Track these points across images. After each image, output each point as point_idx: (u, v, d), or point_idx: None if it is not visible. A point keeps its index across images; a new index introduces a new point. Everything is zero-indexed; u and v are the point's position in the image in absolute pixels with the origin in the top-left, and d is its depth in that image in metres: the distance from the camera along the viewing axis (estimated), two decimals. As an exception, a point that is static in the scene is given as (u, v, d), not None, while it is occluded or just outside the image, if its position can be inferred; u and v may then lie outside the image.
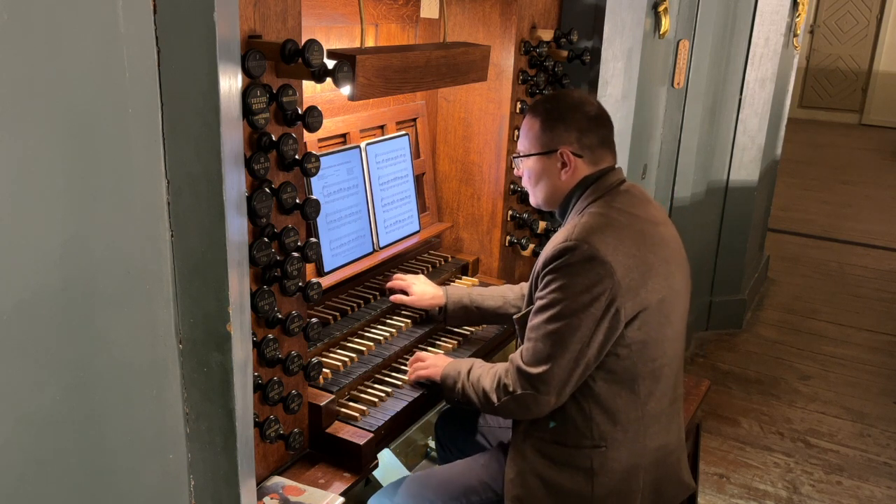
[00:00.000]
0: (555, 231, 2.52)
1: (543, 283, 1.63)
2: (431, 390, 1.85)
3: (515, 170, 1.87)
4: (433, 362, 1.85)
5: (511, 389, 1.64)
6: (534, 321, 1.63)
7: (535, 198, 1.83)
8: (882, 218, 6.69)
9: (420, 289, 2.08)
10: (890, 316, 4.71)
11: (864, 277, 5.35)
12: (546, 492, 1.69)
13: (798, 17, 4.19)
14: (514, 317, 1.77)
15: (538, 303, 1.63)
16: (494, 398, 1.67)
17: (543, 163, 1.75)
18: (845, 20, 10.84)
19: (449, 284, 2.31)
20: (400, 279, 2.12)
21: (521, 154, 1.81)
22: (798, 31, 4.29)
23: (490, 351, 2.14)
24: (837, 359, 4.15)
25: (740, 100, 3.97)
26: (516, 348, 1.72)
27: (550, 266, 1.61)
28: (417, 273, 2.24)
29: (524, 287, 2.08)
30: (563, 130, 1.72)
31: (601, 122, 1.76)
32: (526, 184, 1.84)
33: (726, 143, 4.05)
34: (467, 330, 2.15)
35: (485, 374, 1.72)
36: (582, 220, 1.63)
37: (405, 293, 2.09)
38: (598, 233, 1.59)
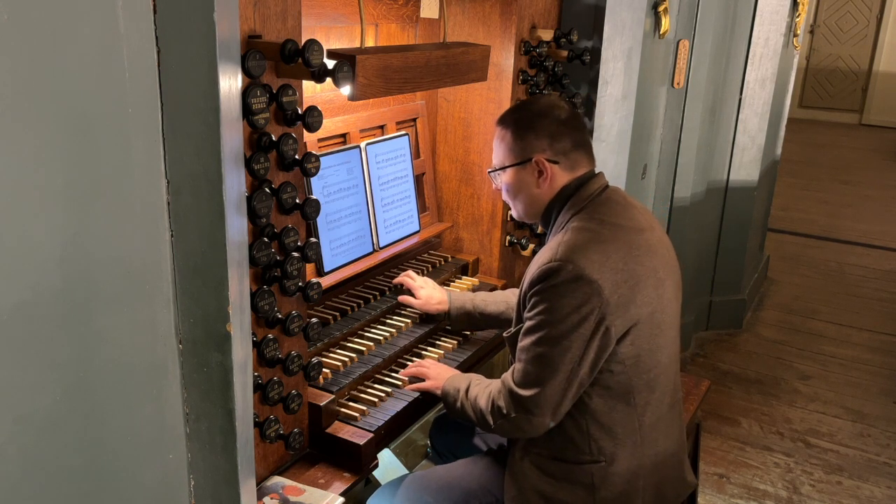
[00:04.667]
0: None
1: (530, 304, 1.60)
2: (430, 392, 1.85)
3: (493, 184, 1.84)
4: (436, 373, 1.84)
5: (505, 412, 1.62)
6: (523, 342, 1.61)
7: (516, 211, 1.80)
8: (882, 218, 6.69)
9: (427, 293, 2.08)
10: (890, 316, 4.71)
11: (864, 277, 5.35)
12: None
13: (798, 17, 4.19)
14: (504, 335, 1.76)
15: (527, 324, 1.61)
16: (490, 420, 1.66)
17: (519, 174, 1.72)
18: (845, 20, 10.84)
19: (449, 285, 2.32)
20: (409, 278, 2.12)
21: (496, 168, 1.78)
22: (798, 31, 4.29)
23: (489, 352, 2.14)
24: (837, 359, 4.15)
25: (740, 100, 3.97)
26: (509, 365, 1.71)
27: (536, 287, 1.57)
28: (418, 273, 2.25)
29: None
30: (534, 138, 1.69)
31: (573, 125, 1.71)
32: (505, 198, 1.81)
33: (726, 143, 4.05)
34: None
35: (481, 394, 1.70)
36: (565, 238, 1.59)
37: (412, 294, 2.09)
38: (582, 250, 1.55)
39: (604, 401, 1.62)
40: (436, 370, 1.85)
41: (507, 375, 1.65)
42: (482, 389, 1.71)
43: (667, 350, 1.67)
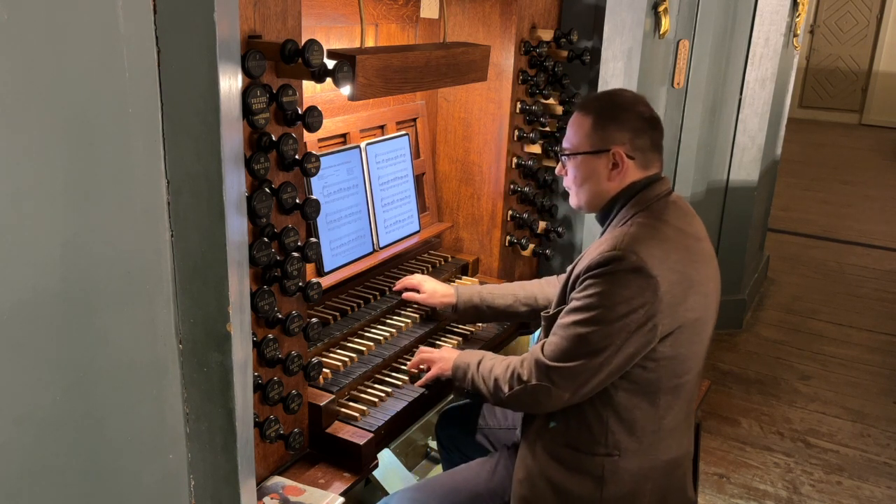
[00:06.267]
0: (556, 232, 2.53)
1: (583, 286, 1.58)
2: (432, 390, 1.85)
3: (559, 168, 1.80)
4: (441, 355, 1.84)
5: (525, 379, 1.62)
6: (564, 320, 1.60)
7: (578, 199, 1.76)
8: (882, 218, 6.69)
9: (431, 286, 2.08)
10: (890, 316, 4.71)
11: (864, 277, 5.34)
12: (554, 496, 1.68)
13: (798, 17, 4.19)
14: (543, 314, 1.74)
15: (573, 303, 1.60)
16: (505, 388, 1.65)
17: (592, 163, 1.69)
18: (845, 20, 10.83)
19: (450, 284, 2.31)
20: (409, 278, 2.12)
21: (569, 152, 1.73)
22: (798, 31, 4.29)
23: (490, 350, 2.14)
24: (837, 359, 4.15)
25: (740, 100, 3.97)
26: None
27: (595, 271, 1.56)
28: (418, 273, 2.25)
29: (536, 286, 2.08)
30: (616, 130, 1.66)
31: (654, 124, 1.70)
32: (569, 184, 1.77)
33: (726, 143, 4.05)
34: (468, 329, 2.15)
35: (497, 365, 1.70)
36: (630, 230, 1.58)
37: (416, 292, 2.09)
38: (646, 245, 1.55)
39: (629, 396, 1.62)
40: (439, 354, 1.85)
41: (536, 347, 1.64)
42: (499, 362, 1.70)
43: (698, 360, 1.67)
